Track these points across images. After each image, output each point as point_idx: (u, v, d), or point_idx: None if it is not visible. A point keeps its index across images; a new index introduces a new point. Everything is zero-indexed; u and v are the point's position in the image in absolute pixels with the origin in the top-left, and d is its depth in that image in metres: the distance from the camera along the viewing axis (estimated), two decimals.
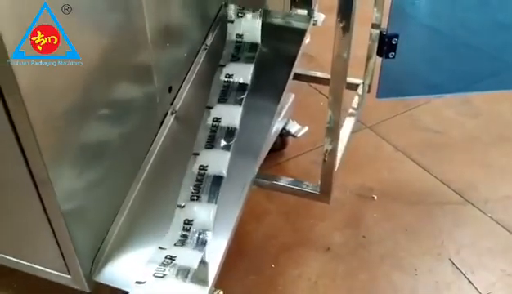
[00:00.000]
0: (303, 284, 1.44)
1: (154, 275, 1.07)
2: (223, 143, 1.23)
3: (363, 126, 1.97)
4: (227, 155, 1.22)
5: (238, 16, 1.34)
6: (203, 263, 1.08)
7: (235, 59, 1.33)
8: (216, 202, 1.17)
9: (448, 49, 1.47)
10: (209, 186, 1.19)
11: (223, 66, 1.32)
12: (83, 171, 1.03)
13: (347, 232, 1.59)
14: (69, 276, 1.11)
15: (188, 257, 1.09)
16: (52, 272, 1.13)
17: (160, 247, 1.12)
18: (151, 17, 1.12)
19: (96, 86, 1.01)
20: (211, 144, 1.23)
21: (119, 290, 1.09)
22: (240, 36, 1.34)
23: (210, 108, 1.27)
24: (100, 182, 1.09)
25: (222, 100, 1.28)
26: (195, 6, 1.31)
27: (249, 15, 1.34)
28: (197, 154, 1.22)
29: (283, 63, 1.33)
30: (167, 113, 1.27)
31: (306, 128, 1.74)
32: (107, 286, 1.11)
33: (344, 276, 1.46)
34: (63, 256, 1.08)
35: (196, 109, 1.28)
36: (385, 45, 1.38)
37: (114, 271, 1.11)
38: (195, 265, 1.07)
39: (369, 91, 1.58)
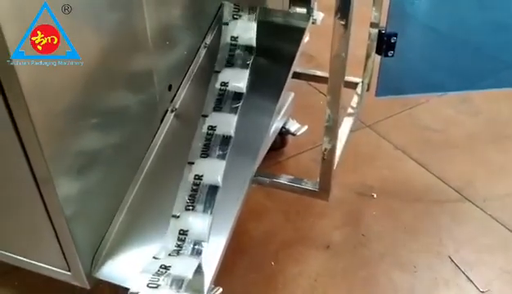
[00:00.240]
0: (302, 282, 1.45)
1: (148, 285, 1.05)
2: (218, 152, 1.22)
3: (363, 125, 1.98)
4: (223, 164, 1.21)
5: (233, 18, 1.32)
6: (198, 273, 1.07)
7: (229, 64, 1.32)
8: (211, 213, 1.16)
9: (447, 48, 1.47)
10: (205, 196, 1.17)
11: (218, 72, 1.31)
12: (84, 168, 1.04)
13: (346, 230, 1.59)
14: (69, 273, 1.12)
15: (183, 267, 1.08)
16: (53, 269, 1.14)
17: (155, 257, 1.11)
18: (151, 16, 1.13)
19: (97, 84, 1.02)
20: (206, 152, 1.22)
21: (119, 287, 1.10)
22: (234, 38, 1.32)
23: (205, 116, 1.26)
24: (100, 180, 1.10)
25: (218, 108, 1.27)
26: (194, 5, 1.31)
27: (244, 17, 1.32)
28: (192, 163, 1.21)
29: (282, 61, 1.33)
30: (167, 111, 1.28)
31: (305, 127, 1.75)
32: (107, 283, 1.12)
33: (344, 274, 1.47)
34: (64, 254, 1.09)
35: (196, 106, 1.28)
36: (384, 43, 1.39)
37: (114, 268, 1.12)
38: (189, 274, 1.05)
39: (368, 90, 1.59)
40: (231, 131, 1.24)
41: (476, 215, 1.64)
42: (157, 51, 1.18)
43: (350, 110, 1.53)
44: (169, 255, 1.12)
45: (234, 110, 1.26)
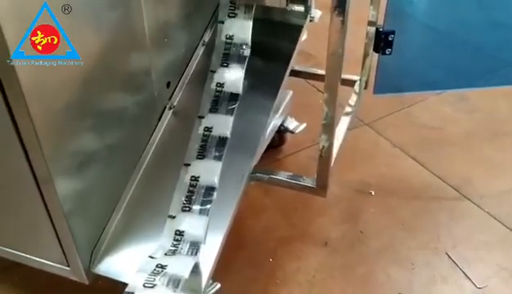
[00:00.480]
0: (301, 278, 1.45)
1: (144, 285, 1.05)
2: (215, 153, 1.22)
3: (361, 123, 1.99)
4: (219, 165, 1.21)
5: (229, 16, 1.31)
6: (195, 272, 1.07)
7: (225, 64, 1.31)
8: (208, 214, 1.16)
9: (445, 46, 1.48)
10: (201, 197, 1.18)
11: (214, 72, 1.30)
12: (84, 166, 1.05)
13: (344, 227, 1.60)
14: (68, 268, 1.13)
15: (179, 266, 1.07)
16: (52, 264, 1.14)
17: (151, 256, 1.11)
18: (149, 14, 1.13)
19: (96, 83, 1.03)
20: (202, 154, 1.22)
21: (118, 282, 1.11)
22: (230, 37, 1.31)
23: (202, 117, 1.26)
24: (99, 177, 1.11)
25: (214, 109, 1.27)
26: (192, 3, 1.32)
27: (240, 16, 1.31)
28: (188, 165, 1.21)
29: (280, 59, 1.34)
30: (165, 108, 1.29)
31: (304, 125, 1.75)
32: (106, 278, 1.13)
33: (342, 270, 1.48)
34: (63, 250, 1.10)
35: (194, 103, 1.28)
36: (382, 41, 1.40)
37: (112, 264, 1.13)
38: (186, 274, 1.05)
39: (366, 88, 1.59)
40: (227, 133, 1.24)
41: (474, 212, 1.65)
42: (155, 48, 1.19)
43: (348, 108, 1.54)
44: (165, 254, 1.12)
45: (230, 112, 1.26)
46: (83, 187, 1.07)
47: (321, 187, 1.27)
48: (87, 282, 1.14)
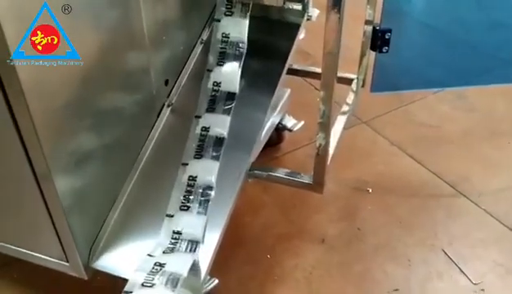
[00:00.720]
0: (298, 274, 1.46)
1: (142, 285, 1.05)
2: (212, 153, 1.22)
3: (359, 122, 2.00)
4: (216, 165, 1.21)
5: (225, 15, 1.31)
6: (194, 270, 1.08)
7: (221, 63, 1.31)
8: (206, 214, 1.16)
9: (441, 45, 1.49)
10: (199, 197, 1.18)
11: (210, 71, 1.30)
12: (82, 163, 1.06)
13: (342, 224, 1.61)
14: (67, 264, 1.14)
15: (178, 264, 1.07)
16: (52, 260, 1.15)
17: (149, 255, 1.11)
18: (148, 12, 1.14)
19: (95, 81, 1.04)
20: (200, 153, 1.23)
21: (117, 278, 1.12)
22: (226, 35, 1.31)
23: (199, 117, 1.26)
24: (98, 174, 1.12)
25: (211, 109, 1.27)
26: (191, 1, 1.33)
27: (237, 14, 1.31)
28: (186, 164, 1.22)
29: (277, 57, 1.35)
30: (163, 106, 1.30)
31: (302, 123, 1.76)
32: (104, 273, 1.14)
33: (339, 267, 1.49)
34: (62, 245, 1.11)
35: (192, 101, 1.29)
36: (378, 39, 1.41)
37: (111, 259, 1.14)
38: (184, 272, 1.05)
39: (363, 86, 1.60)
40: (225, 133, 1.24)
41: (471, 209, 1.66)
42: (154, 47, 1.20)
43: (345, 106, 1.55)
44: (164, 252, 1.12)
45: (227, 111, 1.27)
46: (82, 184, 1.08)
47: (318, 184, 1.28)
48: (85, 278, 1.15)
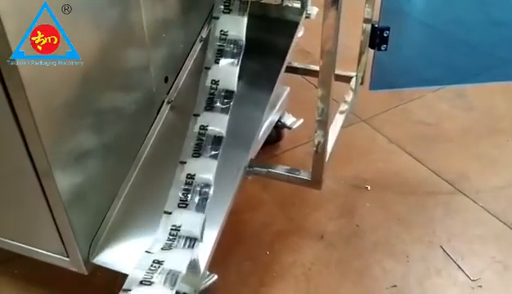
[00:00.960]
0: (297, 271, 1.47)
1: (141, 283, 1.05)
2: (211, 152, 1.22)
3: (358, 120, 2.01)
4: (215, 164, 1.21)
5: (224, 12, 1.31)
6: (193, 266, 1.08)
7: (219, 61, 1.30)
8: (204, 212, 1.16)
9: (440, 43, 1.50)
10: (197, 195, 1.18)
11: (208, 69, 1.30)
12: (83, 159, 1.07)
13: (340, 221, 1.62)
14: (67, 259, 1.15)
15: (176, 261, 1.08)
16: (52, 255, 1.17)
17: (147, 251, 1.12)
18: (148, 10, 1.15)
19: (95, 78, 1.05)
20: (198, 152, 1.23)
21: (117, 273, 1.13)
22: (224, 33, 1.30)
23: (197, 115, 1.26)
24: (98, 170, 1.13)
25: (209, 107, 1.27)
26: None
27: (235, 12, 1.30)
28: (184, 163, 1.22)
29: (275, 55, 1.35)
30: (163, 102, 1.31)
31: (301, 120, 1.77)
32: (104, 269, 1.15)
33: (338, 263, 1.49)
34: (62, 241, 1.12)
35: (191, 98, 1.29)
36: (377, 37, 1.41)
37: (110, 254, 1.15)
38: (183, 269, 1.06)
39: (362, 84, 1.61)
40: (223, 132, 1.24)
41: (469, 207, 1.66)
42: (153, 44, 1.21)
43: (344, 104, 1.55)
44: (162, 249, 1.12)
45: (225, 110, 1.26)
46: (83, 180, 1.09)
47: (316, 180, 1.29)
48: (86, 273, 1.16)
